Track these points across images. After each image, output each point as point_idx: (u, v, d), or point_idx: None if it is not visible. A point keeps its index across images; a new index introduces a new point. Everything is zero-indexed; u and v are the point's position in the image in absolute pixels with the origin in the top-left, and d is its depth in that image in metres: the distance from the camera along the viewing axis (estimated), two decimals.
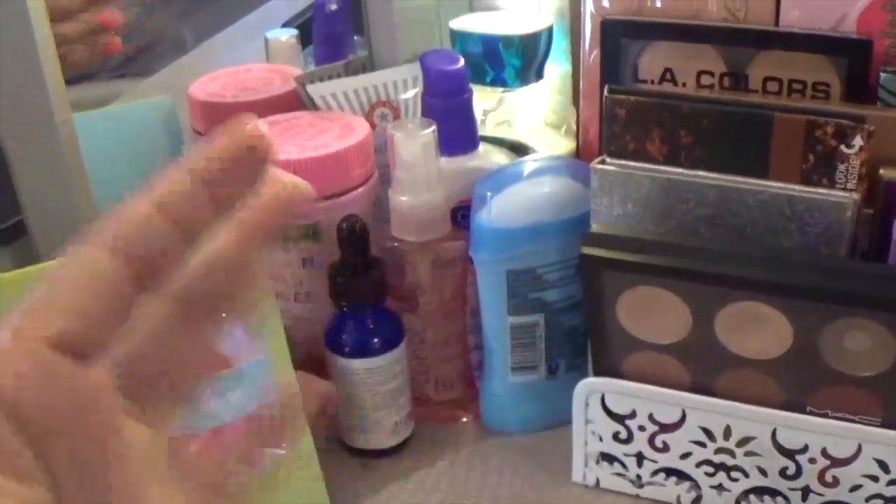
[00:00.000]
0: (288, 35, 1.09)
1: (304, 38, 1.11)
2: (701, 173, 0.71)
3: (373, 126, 0.86)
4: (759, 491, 0.73)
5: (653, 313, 0.71)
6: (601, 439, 0.77)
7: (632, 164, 0.72)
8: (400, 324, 0.81)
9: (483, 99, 0.90)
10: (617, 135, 0.72)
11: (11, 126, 0.78)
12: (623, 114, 0.72)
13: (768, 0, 0.78)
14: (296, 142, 0.81)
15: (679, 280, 0.69)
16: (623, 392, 0.74)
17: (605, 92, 0.72)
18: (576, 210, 0.78)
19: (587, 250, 0.71)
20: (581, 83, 0.87)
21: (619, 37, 0.80)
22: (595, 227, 0.73)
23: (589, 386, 0.75)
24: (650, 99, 0.71)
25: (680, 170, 0.71)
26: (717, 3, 0.78)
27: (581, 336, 0.82)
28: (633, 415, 0.75)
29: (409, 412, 0.83)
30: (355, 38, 1.06)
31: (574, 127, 0.91)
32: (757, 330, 0.69)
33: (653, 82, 0.80)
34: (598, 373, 0.76)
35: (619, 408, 0.75)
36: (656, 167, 0.71)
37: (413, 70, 0.88)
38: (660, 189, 0.71)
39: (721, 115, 0.70)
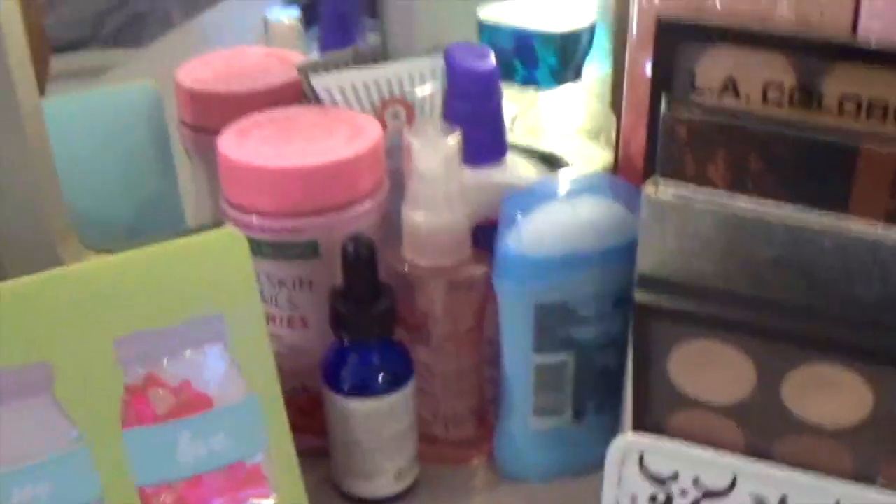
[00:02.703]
0: (290, 15, 0.99)
1: (308, 18, 1.02)
2: (771, 207, 0.61)
3: (384, 126, 0.76)
4: None
5: (710, 369, 0.62)
6: (635, 501, 0.67)
7: (690, 191, 0.62)
8: (409, 359, 0.71)
9: (512, 100, 0.80)
10: (674, 156, 0.62)
11: None
12: (683, 132, 0.62)
13: (846, 4, 0.68)
14: (297, 145, 0.71)
15: (748, 336, 0.60)
16: (666, 453, 0.65)
17: (664, 105, 0.63)
18: (618, 238, 0.68)
19: (641, 296, 0.61)
20: (625, 89, 0.77)
21: (675, 39, 0.70)
22: (645, 266, 0.63)
23: (628, 444, 0.65)
24: (717, 117, 0.62)
25: (746, 204, 0.61)
26: (788, 6, 0.69)
27: (615, 377, 0.72)
28: (675, 477, 0.65)
29: (414, 456, 0.74)
30: (367, 20, 0.97)
31: (613, 137, 0.81)
32: (830, 395, 0.60)
33: (711, 92, 0.70)
34: (638, 428, 0.66)
35: (661, 468, 0.65)
36: (720, 199, 0.62)
37: (432, 62, 0.78)
38: (723, 224, 0.61)
39: (798, 142, 0.60)
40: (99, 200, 0.86)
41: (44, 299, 0.58)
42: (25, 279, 0.58)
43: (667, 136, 0.63)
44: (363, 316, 0.69)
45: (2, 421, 0.57)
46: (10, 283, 0.57)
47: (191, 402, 0.62)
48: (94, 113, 0.86)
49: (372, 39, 0.91)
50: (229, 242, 0.63)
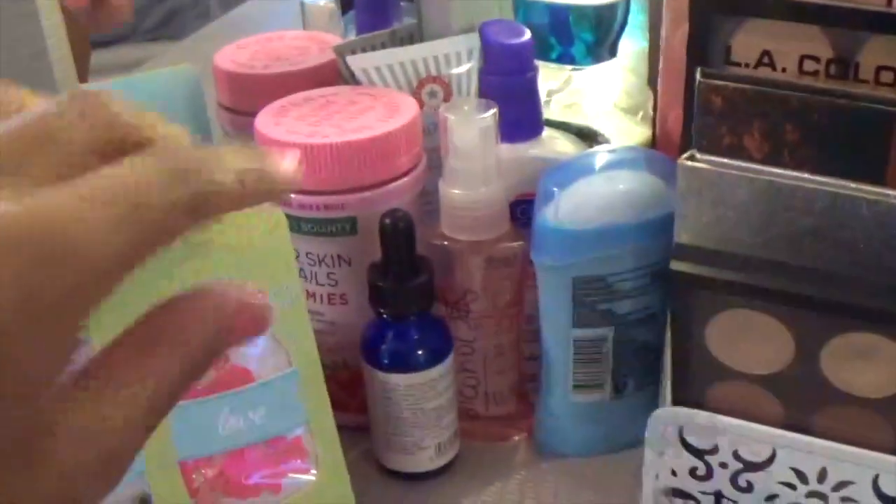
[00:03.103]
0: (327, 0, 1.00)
1: (345, 3, 1.02)
2: (808, 176, 0.61)
3: (421, 105, 0.76)
4: None
5: (748, 340, 0.62)
6: (675, 474, 0.67)
7: (727, 161, 0.62)
8: (448, 334, 0.71)
9: (548, 77, 0.80)
10: (710, 127, 0.62)
11: None
12: (719, 102, 0.62)
13: None
14: (333, 122, 0.71)
15: (786, 305, 0.59)
16: (708, 425, 0.64)
17: (698, 76, 0.62)
18: (655, 211, 0.68)
19: (677, 265, 0.61)
20: (661, 63, 0.77)
21: (710, 12, 0.70)
22: (683, 237, 0.63)
23: (668, 416, 0.65)
24: (752, 86, 0.61)
25: (784, 171, 0.61)
26: None
27: (654, 352, 0.72)
28: (714, 450, 0.65)
29: (455, 431, 0.74)
30: (402, 3, 0.97)
31: (651, 112, 0.81)
32: (869, 364, 0.60)
33: (748, 66, 0.70)
34: (677, 401, 0.66)
35: (701, 442, 0.65)
36: (756, 167, 0.61)
37: (468, 41, 0.78)
38: (760, 193, 0.61)
39: (835, 109, 0.60)
40: None
41: None
42: None
43: (702, 107, 0.62)
44: (402, 290, 0.69)
45: None
46: None
47: (231, 377, 0.63)
48: (135, 96, 0.87)
49: (408, 22, 0.91)
50: (269, 219, 0.63)
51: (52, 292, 0.29)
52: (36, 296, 0.29)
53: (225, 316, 0.35)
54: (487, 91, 0.73)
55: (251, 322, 0.35)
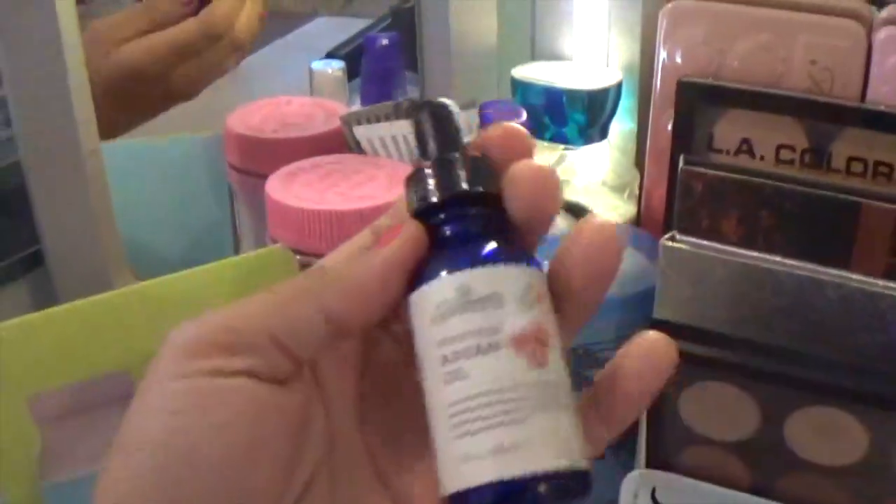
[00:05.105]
0: (334, 67, 1.04)
1: (351, 69, 1.06)
2: (779, 259, 0.65)
3: None
4: None
5: (718, 409, 0.66)
6: None
7: (705, 243, 0.67)
8: None
9: (542, 155, 0.84)
10: (691, 210, 0.67)
11: (34, 151, 0.73)
12: (699, 188, 0.66)
13: (856, 71, 0.73)
14: (339, 189, 0.75)
15: (754, 379, 0.64)
16: (677, 488, 0.69)
17: (681, 163, 0.67)
18: (638, 285, 0.72)
19: None
20: (648, 146, 0.82)
21: (695, 101, 0.75)
22: (662, 311, 0.67)
23: (641, 478, 0.69)
24: (730, 174, 0.66)
25: (757, 254, 0.66)
26: (801, 72, 0.73)
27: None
28: None
29: None
30: (407, 73, 1.01)
31: (636, 191, 0.86)
32: (829, 436, 0.64)
33: (728, 153, 0.75)
34: (651, 464, 0.70)
35: (672, 502, 0.69)
36: (732, 249, 0.66)
37: (468, 117, 0.82)
38: (734, 274, 0.66)
39: (805, 199, 0.64)
40: (154, 235, 0.91)
41: (117, 314, 0.62)
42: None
43: (684, 192, 0.67)
44: None
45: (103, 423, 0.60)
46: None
47: None
48: (163, 156, 0.91)
49: (412, 93, 0.94)
50: (278, 258, 0.67)
51: None
52: None
53: None
54: None
55: None
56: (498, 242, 0.42)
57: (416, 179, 0.43)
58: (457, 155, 0.43)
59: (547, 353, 0.40)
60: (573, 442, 0.40)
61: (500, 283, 0.40)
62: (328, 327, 0.40)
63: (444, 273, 0.41)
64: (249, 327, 0.39)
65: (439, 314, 0.40)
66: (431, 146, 0.44)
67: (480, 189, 0.42)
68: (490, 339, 0.40)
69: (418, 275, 0.42)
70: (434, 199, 0.42)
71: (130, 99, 0.97)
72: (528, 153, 0.43)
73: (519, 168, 0.41)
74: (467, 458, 0.39)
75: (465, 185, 0.42)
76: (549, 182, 0.41)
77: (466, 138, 0.45)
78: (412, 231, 0.42)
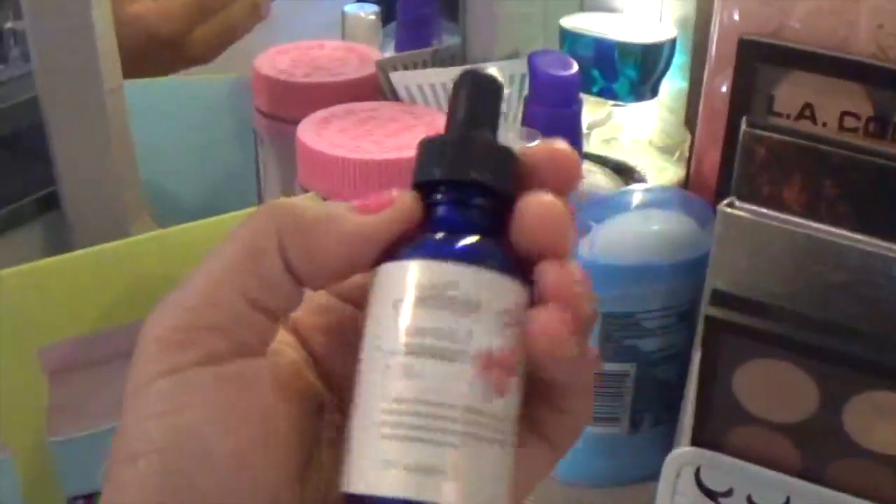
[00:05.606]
0: (368, 11, 1.00)
1: (386, 15, 1.02)
2: (843, 232, 0.61)
3: None
4: None
5: (774, 388, 0.62)
6: None
7: (765, 211, 0.63)
8: None
9: (589, 110, 0.80)
10: (752, 176, 0.63)
11: (53, 87, 0.70)
12: (762, 152, 0.62)
13: None
14: (374, 138, 0.72)
15: (815, 359, 0.60)
16: (723, 468, 0.65)
17: (744, 125, 0.63)
18: (689, 252, 0.69)
19: (712, 311, 0.61)
20: (701, 106, 0.78)
21: (756, 60, 0.71)
22: (718, 282, 0.63)
23: (685, 456, 0.66)
24: (795, 140, 0.62)
25: (820, 225, 0.61)
26: (867, 36, 0.69)
27: (673, 390, 0.73)
28: (729, 493, 0.66)
29: None
30: (444, 22, 0.97)
31: (686, 153, 0.81)
32: (890, 423, 0.60)
33: (789, 117, 0.71)
34: (696, 442, 0.66)
35: (716, 484, 0.66)
36: (794, 219, 0.62)
37: (512, 67, 0.78)
38: (795, 245, 0.62)
39: (875, 169, 0.60)
40: (174, 180, 0.88)
41: (133, 263, 0.59)
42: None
43: (745, 156, 0.63)
44: None
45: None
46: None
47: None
48: (188, 96, 0.88)
49: (448, 41, 0.91)
50: None
51: None
52: None
53: None
54: (532, 121, 0.73)
55: None
56: (501, 247, 0.37)
57: (433, 147, 0.39)
58: (488, 136, 0.39)
59: (509, 384, 0.36)
60: (498, 485, 0.36)
61: (486, 290, 0.36)
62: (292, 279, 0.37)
63: (432, 258, 0.36)
64: (226, 297, 0.36)
65: (415, 297, 0.36)
66: (464, 118, 0.39)
67: (504, 185, 0.38)
68: (457, 347, 0.35)
69: (400, 243, 0.37)
70: (447, 177, 0.38)
71: (145, 64, 0.93)
72: (566, 186, 0.39)
73: (529, 201, 0.37)
74: (387, 464, 0.35)
75: (487, 174, 0.38)
76: (558, 222, 0.37)
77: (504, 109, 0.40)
78: (406, 205, 0.38)
